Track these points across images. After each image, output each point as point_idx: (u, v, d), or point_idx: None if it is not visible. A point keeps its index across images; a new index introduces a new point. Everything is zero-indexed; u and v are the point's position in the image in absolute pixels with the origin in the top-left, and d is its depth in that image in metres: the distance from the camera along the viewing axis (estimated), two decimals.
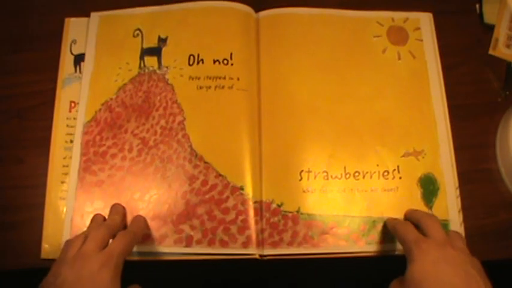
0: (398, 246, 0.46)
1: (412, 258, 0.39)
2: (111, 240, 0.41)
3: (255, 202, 0.47)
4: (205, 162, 0.49)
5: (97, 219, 0.46)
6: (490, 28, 0.55)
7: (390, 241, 0.47)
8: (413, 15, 0.56)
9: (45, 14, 0.56)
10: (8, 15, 0.56)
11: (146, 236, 0.47)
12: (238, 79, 0.51)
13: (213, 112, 0.50)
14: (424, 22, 0.56)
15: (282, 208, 0.48)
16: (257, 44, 0.54)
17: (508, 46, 0.53)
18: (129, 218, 0.47)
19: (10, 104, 0.53)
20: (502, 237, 0.49)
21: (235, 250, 0.46)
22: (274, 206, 0.48)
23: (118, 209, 0.47)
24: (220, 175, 0.48)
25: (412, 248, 0.40)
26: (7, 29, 0.56)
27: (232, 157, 0.49)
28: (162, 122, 0.50)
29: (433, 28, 0.56)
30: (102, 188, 0.49)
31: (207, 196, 0.48)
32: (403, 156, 0.51)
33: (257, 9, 0.55)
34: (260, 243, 0.47)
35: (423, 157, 0.50)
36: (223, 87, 0.51)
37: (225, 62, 0.52)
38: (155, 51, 0.53)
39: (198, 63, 0.52)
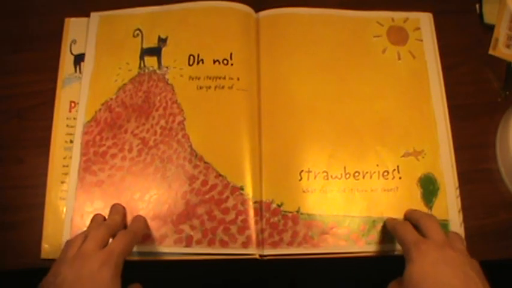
0: (398, 246, 0.46)
1: (410, 259, 0.39)
2: (111, 240, 0.41)
3: (255, 202, 0.47)
4: (205, 162, 0.49)
5: (97, 219, 0.46)
6: (490, 28, 0.55)
7: (390, 241, 0.47)
8: (413, 15, 0.56)
9: (45, 14, 0.56)
10: (8, 15, 0.56)
11: (146, 236, 0.47)
12: (238, 79, 0.51)
13: (213, 112, 0.50)
14: (424, 22, 0.56)
15: (282, 208, 0.48)
16: (257, 44, 0.54)
17: (508, 46, 0.53)
18: (129, 218, 0.47)
19: (10, 104, 0.53)
20: (502, 237, 0.49)
21: (235, 250, 0.46)
22: (274, 206, 0.48)
23: (118, 209, 0.47)
24: (220, 175, 0.48)
25: (411, 249, 0.40)
26: (7, 29, 0.56)
27: (232, 157, 0.49)
28: (162, 122, 0.50)
29: (433, 28, 0.56)
30: (102, 188, 0.49)
31: (207, 196, 0.48)
32: (403, 156, 0.51)
33: (257, 9, 0.55)
34: (260, 243, 0.47)
35: (423, 157, 0.50)
36: (223, 87, 0.51)
37: (225, 62, 0.52)
38: (155, 51, 0.53)
39: (198, 63, 0.52)
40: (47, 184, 0.49)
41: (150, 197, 0.48)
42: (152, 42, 0.54)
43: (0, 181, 0.50)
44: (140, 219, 0.47)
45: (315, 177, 0.49)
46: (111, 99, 0.52)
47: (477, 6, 0.57)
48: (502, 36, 0.53)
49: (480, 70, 0.55)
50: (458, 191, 0.50)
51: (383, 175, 0.50)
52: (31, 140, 0.52)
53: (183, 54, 0.53)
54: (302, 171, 0.49)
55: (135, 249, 0.45)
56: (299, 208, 0.48)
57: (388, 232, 0.47)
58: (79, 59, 0.54)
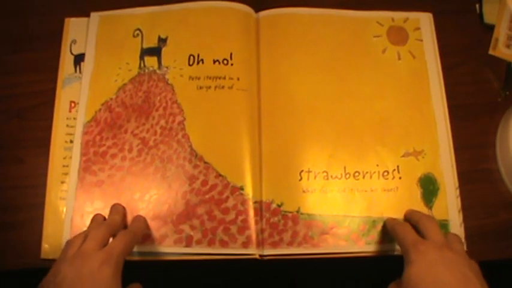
0: (398, 246, 0.46)
1: (409, 260, 0.39)
2: (111, 240, 0.41)
3: (255, 202, 0.47)
4: (205, 162, 0.49)
5: (97, 219, 0.46)
6: (490, 28, 0.55)
7: (390, 241, 0.47)
8: (413, 15, 0.56)
9: (45, 14, 0.56)
10: (8, 15, 0.56)
11: (146, 236, 0.47)
12: (238, 79, 0.51)
13: (213, 112, 0.50)
14: (424, 22, 0.56)
15: (282, 208, 0.48)
16: (257, 44, 0.54)
17: (508, 46, 0.53)
18: (129, 218, 0.47)
19: (10, 104, 0.53)
20: (502, 237, 0.49)
21: (235, 250, 0.46)
22: (274, 206, 0.48)
23: (118, 209, 0.47)
24: (220, 175, 0.48)
25: (410, 250, 0.40)
26: (7, 29, 0.56)
27: (232, 157, 0.49)
28: (162, 122, 0.50)
29: (433, 28, 0.56)
30: (102, 188, 0.49)
31: (207, 196, 0.48)
32: (403, 156, 0.51)
33: (257, 9, 0.55)
34: (260, 243, 0.47)
35: (423, 157, 0.50)
36: (223, 87, 0.51)
37: (225, 62, 0.52)
38: (155, 51, 0.53)
39: (198, 63, 0.52)
40: (47, 184, 0.49)
41: (150, 197, 0.48)
42: (152, 42, 0.54)
43: (0, 181, 0.50)
44: (140, 219, 0.47)
45: (315, 177, 0.49)
46: (111, 99, 0.52)
47: (477, 6, 0.57)
48: (502, 36, 0.53)
49: (480, 70, 0.55)
50: (458, 191, 0.50)
51: (383, 175, 0.50)
52: (31, 140, 0.52)
53: (183, 54, 0.53)
54: (302, 171, 0.49)
55: (135, 249, 0.45)
56: (299, 208, 0.48)
57: (388, 232, 0.47)
58: (79, 59, 0.54)
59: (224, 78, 0.51)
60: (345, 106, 0.52)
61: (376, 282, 0.43)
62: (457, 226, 0.48)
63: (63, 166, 0.50)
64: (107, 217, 0.47)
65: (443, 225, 0.48)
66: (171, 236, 0.47)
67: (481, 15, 0.57)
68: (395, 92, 0.53)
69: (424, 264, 0.38)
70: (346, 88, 0.53)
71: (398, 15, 0.56)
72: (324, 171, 0.49)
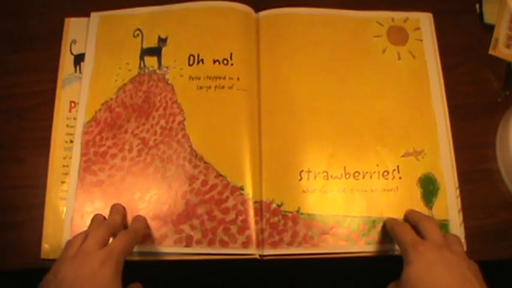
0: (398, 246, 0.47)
1: (408, 260, 0.39)
2: (111, 240, 0.41)
3: (255, 202, 0.47)
4: (205, 162, 0.49)
5: (97, 219, 0.46)
6: (490, 28, 0.55)
7: (390, 241, 0.47)
8: (413, 15, 0.56)
9: (45, 14, 0.56)
10: (8, 15, 0.56)
11: (146, 236, 0.47)
12: (238, 79, 0.51)
13: (213, 112, 0.50)
14: (424, 22, 0.56)
15: (282, 208, 0.48)
16: (257, 44, 0.54)
17: (508, 46, 0.53)
18: (129, 218, 0.47)
19: (10, 104, 0.53)
20: (502, 237, 0.49)
21: (235, 250, 0.46)
22: (274, 206, 0.48)
23: (118, 209, 0.47)
24: (220, 175, 0.48)
25: (409, 250, 0.40)
26: (7, 29, 0.56)
27: (232, 157, 0.49)
28: (162, 122, 0.50)
29: (433, 28, 0.56)
30: (102, 188, 0.49)
31: (207, 196, 0.48)
32: (403, 156, 0.51)
33: (257, 9, 0.55)
34: (260, 243, 0.47)
35: (423, 157, 0.50)
36: (223, 87, 0.51)
37: (225, 62, 0.52)
38: (155, 51, 0.53)
39: (198, 63, 0.52)
40: (47, 184, 0.49)
41: (150, 197, 0.48)
42: (152, 42, 0.54)
43: (0, 181, 0.50)
44: (140, 219, 0.47)
45: (315, 177, 0.49)
46: (111, 99, 0.52)
47: (477, 6, 0.57)
48: (502, 36, 0.53)
49: (480, 70, 0.55)
50: (458, 191, 0.50)
51: (383, 175, 0.50)
52: (31, 140, 0.52)
53: (183, 54, 0.53)
54: (302, 171, 0.49)
55: (135, 249, 0.45)
56: (299, 208, 0.48)
57: (388, 232, 0.47)
58: (79, 59, 0.54)
59: (224, 78, 0.51)
60: (345, 106, 0.52)
61: (376, 282, 0.43)
62: (457, 226, 0.48)
63: (63, 166, 0.50)
64: (107, 217, 0.47)
65: (443, 225, 0.48)
66: (171, 236, 0.47)
67: (481, 15, 0.57)
68: (395, 92, 0.53)
69: (423, 264, 0.38)
70: (346, 88, 0.53)
71: (398, 15, 0.56)
72: (324, 171, 0.49)
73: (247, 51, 0.53)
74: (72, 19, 0.55)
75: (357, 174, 0.50)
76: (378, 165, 0.50)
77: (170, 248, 0.47)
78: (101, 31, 0.54)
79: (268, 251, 0.47)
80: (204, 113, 0.50)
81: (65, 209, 0.48)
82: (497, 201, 0.51)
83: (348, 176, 0.50)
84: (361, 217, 0.48)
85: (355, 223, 0.48)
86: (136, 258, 0.46)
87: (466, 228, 0.48)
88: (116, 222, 0.45)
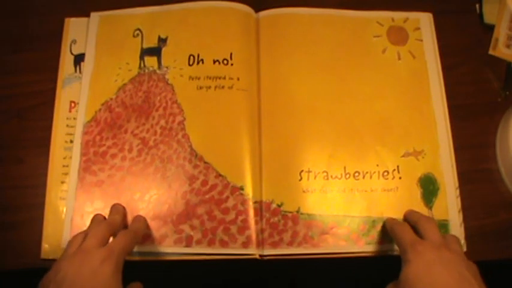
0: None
1: (407, 260, 0.39)
2: (111, 239, 0.41)
3: (255, 202, 0.47)
4: (205, 162, 0.49)
5: (97, 219, 0.46)
6: (490, 28, 0.55)
7: (390, 241, 0.47)
8: (413, 15, 0.56)
9: (45, 14, 0.56)
10: (8, 15, 0.56)
11: (146, 236, 0.47)
12: (238, 79, 0.51)
13: (213, 112, 0.50)
14: (424, 22, 0.56)
15: (282, 208, 0.48)
16: (257, 44, 0.54)
17: (508, 46, 0.53)
18: (129, 218, 0.47)
19: (10, 104, 0.53)
20: (502, 237, 0.49)
21: (235, 250, 0.46)
22: (274, 206, 0.48)
23: (118, 209, 0.47)
24: (220, 175, 0.48)
25: (408, 250, 0.40)
26: (7, 29, 0.56)
27: (232, 157, 0.49)
28: (162, 122, 0.50)
29: (433, 28, 0.56)
30: (102, 188, 0.49)
31: (207, 196, 0.48)
32: (403, 156, 0.51)
33: (257, 9, 0.55)
34: (260, 243, 0.47)
35: (423, 157, 0.50)
36: (223, 87, 0.51)
37: (225, 62, 0.52)
38: (155, 51, 0.53)
39: (198, 63, 0.52)
40: (47, 184, 0.49)
41: (150, 197, 0.48)
42: (152, 42, 0.54)
43: (0, 181, 0.50)
44: (140, 219, 0.47)
45: (315, 177, 0.49)
46: (111, 99, 0.52)
47: (477, 6, 0.57)
48: (502, 36, 0.53)
49: (480, 70, 0.55)
50: (458, 191, 0.50)
51: (383, 175, 0.50)
52: (31, 140, 0.52)
53: (183, 54, 0.53)
54: (302, 171, 0.49)
55: (135, 249, 0.45)
56: (299, 208, 0.48)
57: (387, 232, 0.47)
58: (79, 59, 0.54)
59: (224, 78, 0.51)
60: (345, 106, 0.52)
61: (376, 282, 0.43)
62: (457, 226, 0.48)
63: (63, 166, 0.50)
64: (107, 217, 0.46)
65: (443, 225, 0.48)
66: (171, 236, 0.47)
67: (481, 15, 0.57)
68: (395, 92, 0.53)
69: (422, 264, 0.38)
70: (346, 88, 0.53)
71: (398, 15, 0.56)
72: (324, 171, 0.49)
73: (247, 51, 0.53)
74: (72, 19, 0.55)
75: (357, 174, 0.50)
76: (378, 165, 0.50)
77: (170, 248, 0.47)
78: (101, 31, 0.54)
79: (268, 251, 0.47)
80: (204, 113, 0.50)
81: (65, 209, 0.48)
82: (497, 201, 0.51)
83: (348, 176, 0.50)
84: (361, 217, 0.48)
85: (355, 223, 0.48)
86: (136, 258, 0.46)
87: (466, 228, 0.49)
88: (116, 222, 0.45)
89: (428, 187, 0.50)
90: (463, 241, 0.48)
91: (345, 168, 0.50)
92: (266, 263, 0.47)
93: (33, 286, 0.37)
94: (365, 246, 0.47)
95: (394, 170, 0.50)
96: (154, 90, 0.52)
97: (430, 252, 0.39)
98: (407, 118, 0.52)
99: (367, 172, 0.50)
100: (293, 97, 0.52)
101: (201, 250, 0.46)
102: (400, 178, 0.50)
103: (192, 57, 0.53)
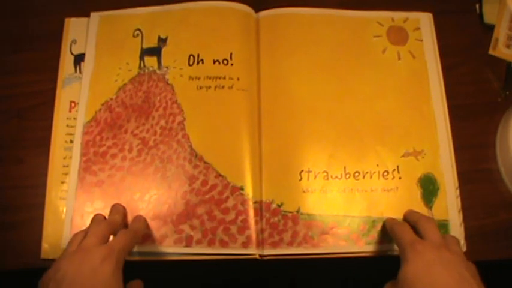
0: None
1: (406, 259, 0.39)
2: (111, 238, 0.41)
3: (255, 202, 0.47)
4: (205, 162, 0.49)
5: (97, 219, 0.46)
6: (490, 28, 0.55)
7: (390, 241, 0.47)
8: (413, 15, 0.56)
9: (45, 14, 0.56)
10: (8, 15, 0.56)
11: (146, 236, 0.47)
12: (238, 79, 0.51)
13: (213, 112, 0.50)
14: (424, 22, 0.56)
15: (282, 208, 0.48)
16: (257, 44, 0.54)
17: (508, 46, 0.53)
18: (129, 218, 0.47)
19: (10, 104, 0.53)
20: (502, 237, 0.49)
21: (235, 250, 0.46)
22: (274, 206, 0.48)
23: (118, 209, 0.47)
24: (220, 175, 0.48)
25: (407, 249, 0.40)
26: (7, 29, 0.56)
27: (232, 157, 0.49)
28: (162, 122, 0.50)
29: (433, 28, 0.56)
30: (102, 188, 0.49)
31: (207, 196, 0.48)
32: (403, 156, 0.50)
33: (257, 9, 0.55)
34: (260, 243, 0.47)
35: (423, 157, 0.50)
36: (223, 87, 0.51)
37: (225, 62, 0.52)
38: (155, 51, 0.53)
39: (198, 63, 0.52)
40: (47, 184, 0.49)
41: (150, 197, 0.48)
42: (152, 42, 0.54)
43: (0, 181, 0.50)
44: (140, 219, 0.47)
45: (315, 177, 0.49)
46: (111, 99, 0.52)
47: (477, 6, 0.57)
48: (502, 36, 0.53)
49: (480, 70, 0.55)
50: (458, 191, 0.50)
51: (383, 175, 0.50)
52: (31, 140, 0.52)
53: (183, 54, 0.53)
54: (302, 171, 0.49)
55: (135, 249, 0.45)
56: (299, 208, 0.48)
57: (387, 232, 0.47)
58: (79, 59, 0.54)
59: (224, 78, 0.51)
60: (345, 106, 0.52)
61: (376, 282, 0.43)
62: (457, 226, 0.48)
63: (63, 166, 0.50)
64: (107, 217, 0.46)
65: (443, 225, 0.48)
66: (171, 236, 0.47)
67: (481, 15, 0.57)
68: (395, 92, 0.53)
69: (422, 263, 0.38)
70: (346, 88, 0.53)
71: (398, 15, 0.56)
72: (324, 171, 0.49)
73: (247, 51, 0.53)
74: (72, 19, 0.55)
75: (357, 174, 0.50)
76: (378, 165, 0.50)
77: (170, 248, 0.47)
78: (101, 31, 0.54)
79: (268, 251, 0.47)
80: (204, 113, 0.50)
81: (65, 209, 0.48)
82: (497, 201, 0.51)
83: (348, 176, 0.50)
84: (361, 217, 0.48)
85: (355, 223, 0.48)
86: (136, 258, 0.46)
87: (466, 228, 0.48)
88: (116, 221, 0.45)
89: (428, 187, 0.50)
90: (463, 241, 0.48)
91: (345, 168, 0.50)
92: (266, 263, 0.47)
93: (33, 286, 0.37)
94: (365, 246, 0.47)
95: (394, 170, 0.50)
96: (154, 90, 0.52)
97: (429, 252, 0.39)
98: (407, 118, 0.52)
99: (367, 172, 0.50)
100: (293, 97, 0.52)
101: (201, 250, 0.46)
102: (400, 178, 0.50)
103: (192, 57, 0.53)
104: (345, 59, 0.54)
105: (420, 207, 0.49)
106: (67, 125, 0.51)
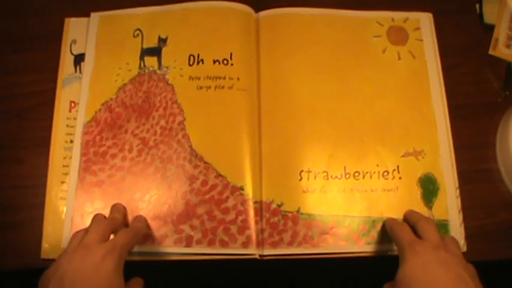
0: None
1: (404, 259, 0.39)
2: (112, 236, 0.41)
3: (255, 202, 0.47)
4: (205, 163, 0.49)
5: (98, 218, 0.46)
6: (490, 28, 0.55)
7: (390, 241, 0.47)
8: (413, 15, 0.56)
9: (45, 14, 0.56)
10: (8, 15, 0.56)
11: (146, 236, 0.47)
12: (238, 79, 0.51)
13: (213, 112, 0.50)
14: (424, 22, 0.56)
15: (282, 208, 0.48)
16: (257, 44, 0.54)
17: (508, 46, 0.53)
18: (129, 218, 0.47)
19: (10, 104, 0.53)
20: (502, 237, 0.49)
21: (235, 250, 0.46)
22: (274, 206, 0.48)
23: (119, 209, 0.47)
24: (220, 175, 0.48)
25: (406, 249, 0.40)
26: (7, 29, 0.56)
27: (232, 157, 0.49)
28: (162, 122, 0.50)
29: (433, 28, 0.56)
30: (102, 188, 0.49)
31: (207, 196, 0.48)
32: (403, 156, 0.51)
33: (257, 9, 0.55)
34: (260, 243, 0.47)
35: (423, 157, 0.50)
36: (223, 87, 0.51)
37: (225, 62, 0.52)
38: (155, 51, 0.53)
39: (198, 63, 0.52)
40: (47, 184, 0.49)
41: (150, 197, 0.48)
42: (152, 42, 0.54)
43: (0, 181, 0.50)
44: (141, 219, 0.47)
45: (315, 177, 0.49)
46: (111, 99, 0.52)
47: (477, 6, 0.57)
48: (502, 36, 0.53)
49: (480, 70, 0.55)
50: (458, 191, 0.50)
51: (383, 175, 0.50)
52: (31, 140, 0.52)
53: (183, 54, 0.53)
54: (302, 171, 0.49)
55: (135, 249, 0.45)
56: (299, 208, 0.48)
57: (387, 232, 0.47)
58: (79, 59, 0.54)
59: (224, 78, 0.51)
60: (345, 106, 0.52)
61: (376, 282, 0.43)
62: (457, 226, 0.48)
63: (63, 166, 0.50)
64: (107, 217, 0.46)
65: (443, 225, 0.48)
66: (171, 236, 0.47)
67: (481, 15, 0.57)
68: (395, 92, 0.53)
69: (420, 263, 0.38)
70: (346, 88, 0.53)
71: (398, 15, 0.56)
72: (324, 171, 0.49)
73: (247, 51, 0.53)
74: (72, 19, 0.55)
75: (357, 174, 0.50)
76: (378, 165, 0.50)
77: (170, 248, 0.47)
78: (101, 31, 0.54)
79: (268, 251, 0.47)
80: (204, 113, 0.50)
81: (65, 209, 0.48)
82: (497, 201, 0.51)
83: (348, 176, 0.50)
84: (361, 217, 0.48)
85: (355, 223, 0.48)
86: (136, 258, 0.46)
87: (466, 228, 0.48)
88: (117, 220, 0.45)
89: (428, 187, 0.50)
90: (463, 241, 0.48)
91: (345, 168, 0.50)
92: (266, 263, 0.47)
93: (33, 286, 0.37)
94: (365, 246, 0.47)
95: (394, 170, 0.50)
96: (155, 91, 0.52)
97: (428, 252, 0.39)
98: (407, 118, 0.52)
99: (367, 172, 0.50)
100: (293, 97, 0.52)
101: (201, 250, 0.46)
102: (400, 178, 0.50)
103: (192, 57, 0.53)
104: (345, 59, 0.54)
105: (420, 207, 0.49)
106: (67, 125, 0.51)
